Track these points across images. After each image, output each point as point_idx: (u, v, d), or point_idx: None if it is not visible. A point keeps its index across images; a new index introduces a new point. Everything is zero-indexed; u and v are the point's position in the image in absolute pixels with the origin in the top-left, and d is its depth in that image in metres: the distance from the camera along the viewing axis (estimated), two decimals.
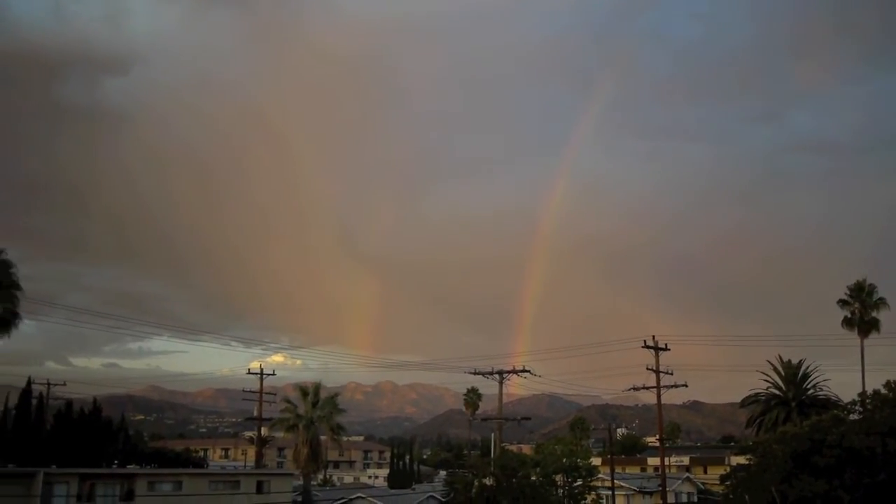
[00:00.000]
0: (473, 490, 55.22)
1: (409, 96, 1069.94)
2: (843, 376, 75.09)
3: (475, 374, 63.82)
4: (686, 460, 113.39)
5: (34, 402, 63.84)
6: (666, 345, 58.29)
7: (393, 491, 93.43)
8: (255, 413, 74.50)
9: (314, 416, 65.57)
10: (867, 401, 50.16)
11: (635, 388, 61.23)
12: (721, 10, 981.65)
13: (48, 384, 75.77)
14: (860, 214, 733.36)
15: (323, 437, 68.20)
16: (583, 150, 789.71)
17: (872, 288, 73.14)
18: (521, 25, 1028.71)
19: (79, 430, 59.74)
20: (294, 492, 66.65)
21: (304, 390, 67.81)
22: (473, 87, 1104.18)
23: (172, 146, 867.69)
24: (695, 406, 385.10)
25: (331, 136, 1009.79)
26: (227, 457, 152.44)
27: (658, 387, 58.16)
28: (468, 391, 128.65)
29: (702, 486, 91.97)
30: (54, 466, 49.18)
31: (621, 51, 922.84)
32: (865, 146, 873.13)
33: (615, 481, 73.58)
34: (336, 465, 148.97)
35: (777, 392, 68.28)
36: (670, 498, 73.89)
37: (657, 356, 57.85)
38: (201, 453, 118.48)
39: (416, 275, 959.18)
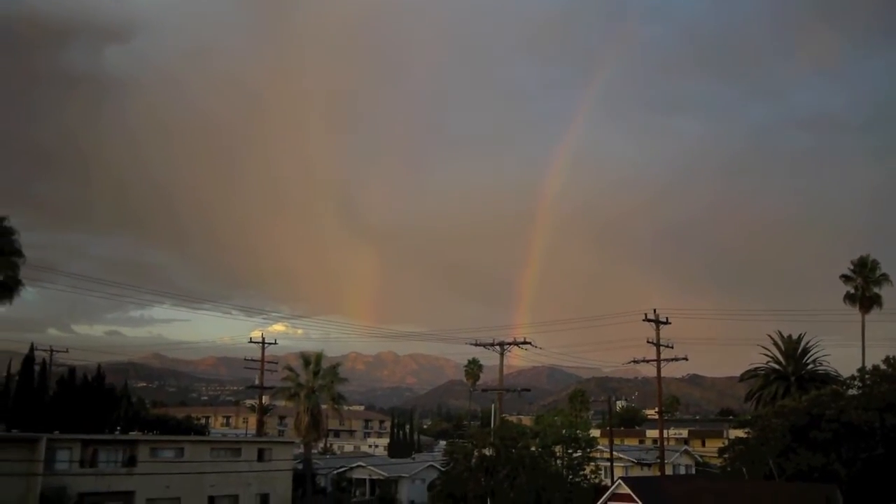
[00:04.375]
0: (473, 460, 55.50)
1: (409, 69, 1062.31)
2: (843, 351, 75.55)
3: (476, 345, 63.76)
4: (685, 433, 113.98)
5: (37, 368, 64.15)
6: (667, 318, 58.23)
7: (393, 460, 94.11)
8: (257, 381, 74.83)
9: (315, 385, 65.84)
10: (866, 376, 50.31)
11: (635, 361, 61.15)
12: None
13: (51, 351, 75.88)
14: (862, 190, 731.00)
15: (324, 407, 68.54)
16: (585, 124, 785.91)
17: (875, 264, 72.93)
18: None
19: (81, 396, 60.10)
20: (295, 460, 67.11)
21: (305, 359, 68.02)
22: (474, 60, 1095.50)
23: (177, 114, 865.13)
24: (694, 379, 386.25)
25: (334, 106, 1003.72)
26: (228, 425, 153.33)
27: (658, 360, 58.18)
28: (469, 362, 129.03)
29: (700, 459, 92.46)
30: (57, 432, 49.50)
31: (624, 26, 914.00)
32: (867, 123, 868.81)
33: (614, 453, 73.96)
34: (336, 434, 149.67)
35: (776, 366, 68.43)
36: (668, 470, 74.20)
37: (657, 329, 57.81)
38: (203, 421, 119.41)
39: (419, 245, 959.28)
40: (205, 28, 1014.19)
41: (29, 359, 63.39)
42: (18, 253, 54.08)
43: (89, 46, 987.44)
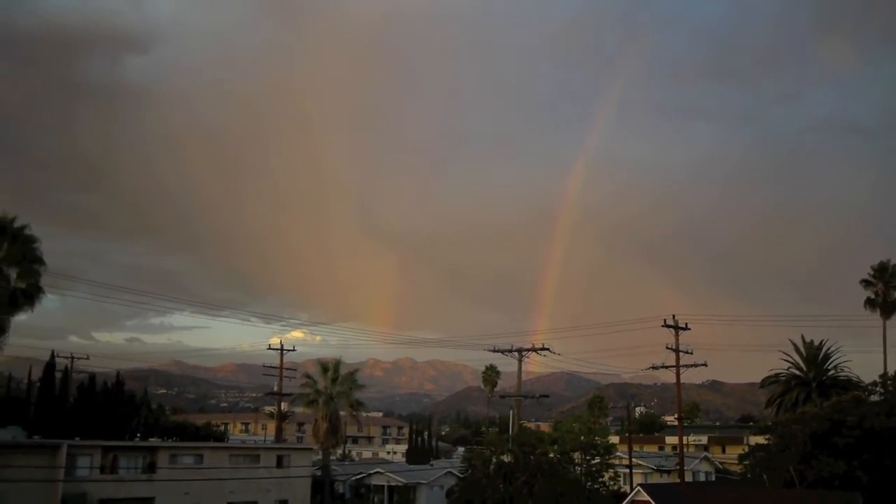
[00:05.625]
0: (491, 466, 55.39)
1: (425, 74, 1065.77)
2: (864, 357, 74.46)
3: (494, 351, 63.66)
4: (704, 440, 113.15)
5: (58, 375, 64.72)
6: (686, 324, 57.93)
7: (411, 466, 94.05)
8: (276, 388, 74.99)
9: (334, 391, 65.91)
10: (888, 382, 49.86)
11: (654, 367, 60.69)
12: None
13: (72, 358, 76.30)
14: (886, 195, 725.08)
15: (342, 413, 68.62)
16: (602, 131, 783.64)
17: None
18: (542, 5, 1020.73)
19: (102, 403, 60.64)
20: (313, 466, 67.25)
21: (323, 366, 68.07)
22: (491, 64, 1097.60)
23: (196, 123, 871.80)
24: (714, 385, 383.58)
25: (350, 115, 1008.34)
26: (247, 431, 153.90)
27: (677, 366, 57.85)
28: (487, 368, 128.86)
29: (720, 466, 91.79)
30: (78, 439, 49.90)
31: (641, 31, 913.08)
32: (890, 127, 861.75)
33: (633, 459, 73.55)
34: (355, 440, 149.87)
35: (797, 372, 67.88)
36: (688, 477, 73.73)
37: (677, 335, 57.50)
38: (222, 427, 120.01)
39: (436, 250, 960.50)
40: (224, 38, 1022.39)
41: (50, 366, 63.97)
42: (40, 261, 54.51)
43: (109, 58, 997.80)
